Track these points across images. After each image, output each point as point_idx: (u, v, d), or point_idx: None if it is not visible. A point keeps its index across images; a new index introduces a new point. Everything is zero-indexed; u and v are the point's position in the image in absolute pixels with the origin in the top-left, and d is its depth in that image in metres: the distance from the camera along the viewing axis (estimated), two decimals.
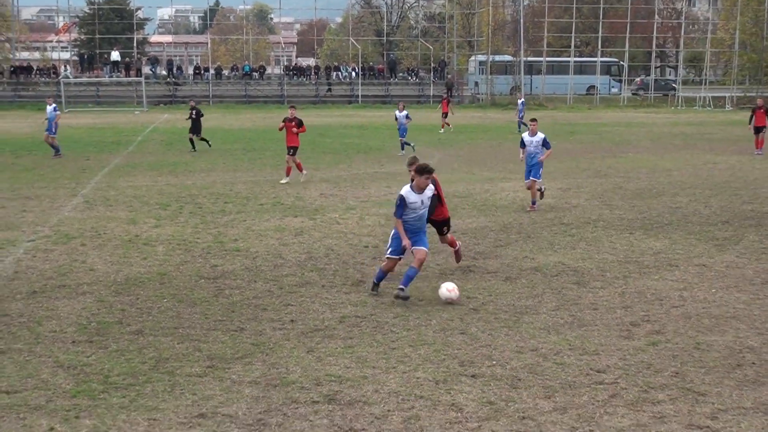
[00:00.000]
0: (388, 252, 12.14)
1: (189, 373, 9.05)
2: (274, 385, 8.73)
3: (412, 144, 32.90)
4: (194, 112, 34.06)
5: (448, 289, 11.75)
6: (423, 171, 11.75)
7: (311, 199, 21.37)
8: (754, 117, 33.44)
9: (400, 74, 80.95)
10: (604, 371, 9.14)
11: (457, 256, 13.98)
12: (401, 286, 11.69)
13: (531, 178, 19.54)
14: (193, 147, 33.47)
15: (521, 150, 19.93)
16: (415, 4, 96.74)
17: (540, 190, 19.92)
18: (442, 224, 13.66)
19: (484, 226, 17.56)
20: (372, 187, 23.32)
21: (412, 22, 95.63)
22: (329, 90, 73.81)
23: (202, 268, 13.95)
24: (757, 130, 33.09)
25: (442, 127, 44.81)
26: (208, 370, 9.17)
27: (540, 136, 19.58)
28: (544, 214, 19.02)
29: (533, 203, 19.67)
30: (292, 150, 24.14)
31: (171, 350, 9.77)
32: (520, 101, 47.09)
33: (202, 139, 34.10)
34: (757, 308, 11.52)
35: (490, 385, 8.73)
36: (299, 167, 24.40)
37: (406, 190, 11.81)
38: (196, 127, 33.94)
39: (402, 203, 11.71)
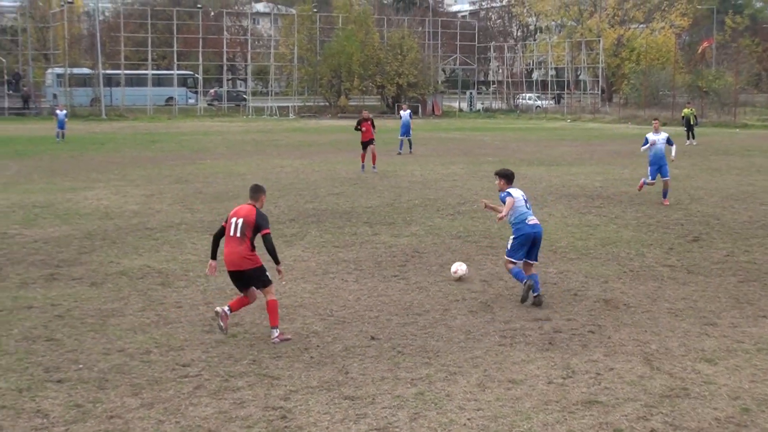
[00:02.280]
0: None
1: None
2: None
3: None
4: None
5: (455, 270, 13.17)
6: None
7: None
8: (361, 128, 29.38)
9: None
10: (189, 365, 9.19)
11: None
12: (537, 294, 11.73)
13: None
14: None
15: None
16: None
17: None
18: None
19: (68, 234, 16.80)
20: None
21: None
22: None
23: None
24: (365, 144, 29.18)
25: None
26: None
27: None
28: (129, 219, 18.64)
29: None
30: None
31: None
32: (62, 112, 43.40)
33: None
34: (320, 296, 12.22)
35: (77, 389, 8.41)
36: None
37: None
38: None
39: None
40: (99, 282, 12.93)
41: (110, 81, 73.74)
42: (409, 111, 37.84)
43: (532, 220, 11.77)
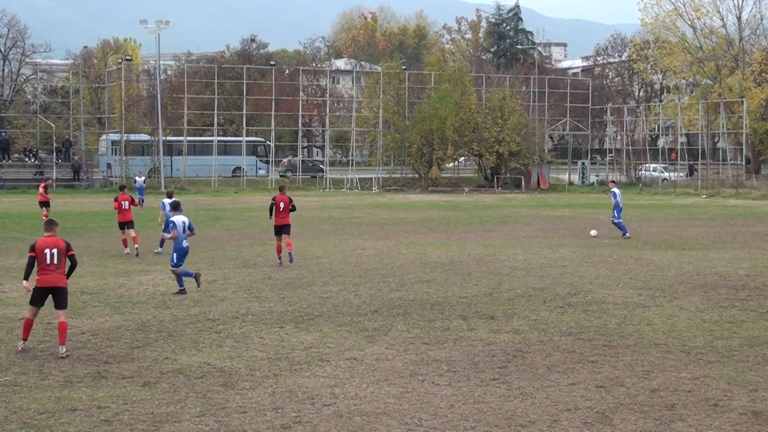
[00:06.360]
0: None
1: None
2: None
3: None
4: None
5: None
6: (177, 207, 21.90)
7: None
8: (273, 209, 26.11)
9: (15, 155, 77.31)
10: None
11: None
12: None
13: None
14: None
15: None
16: (32, 77, 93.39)
17: None
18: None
19: (119, 326, 17.14)
20: None
21: (29, 97, 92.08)
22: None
23: None
24: (278, 230, 25.94)
25: (45, 217, 40.65)
26: None
27: None
28: (188, 309, 18.95)
29: None
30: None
31: None
32: (140, 178, 44.88)
33: None
34: (406, 402, 12.14)
35: None
36: None
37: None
38: None
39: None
40: (152, 382, 13.12)
41: (171, 149, 75.43)
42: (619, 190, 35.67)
43: (186, 242, 21.11)
